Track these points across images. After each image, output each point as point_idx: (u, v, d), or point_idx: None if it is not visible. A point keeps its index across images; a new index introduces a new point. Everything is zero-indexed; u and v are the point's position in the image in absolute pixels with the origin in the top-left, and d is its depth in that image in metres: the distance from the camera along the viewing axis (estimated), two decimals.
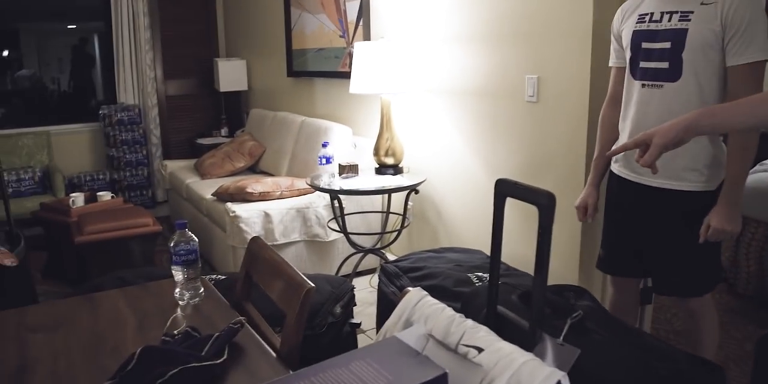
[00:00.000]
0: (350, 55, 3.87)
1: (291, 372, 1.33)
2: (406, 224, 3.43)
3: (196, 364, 1.25)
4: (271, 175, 4.40)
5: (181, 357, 1.28)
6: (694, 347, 2.05)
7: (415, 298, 1.26)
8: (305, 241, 3.60)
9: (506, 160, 2.92)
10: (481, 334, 1.10)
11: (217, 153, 4.65)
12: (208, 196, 3.89)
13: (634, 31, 1.92)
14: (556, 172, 2.65)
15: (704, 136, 1.84)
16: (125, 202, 5.20)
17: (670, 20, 1.81)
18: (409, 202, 3.48)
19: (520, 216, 2.88)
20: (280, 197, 3.58)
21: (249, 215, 3.41)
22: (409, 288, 1.32)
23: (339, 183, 3.23)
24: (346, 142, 3.80)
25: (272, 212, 3.45)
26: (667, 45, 1.82)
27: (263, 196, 3.53)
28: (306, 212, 3.55)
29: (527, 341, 1.18)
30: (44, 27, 10.16)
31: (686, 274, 1.96)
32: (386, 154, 3.35)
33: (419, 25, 3.36)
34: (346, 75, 3.74)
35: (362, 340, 2.90)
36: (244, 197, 3.54)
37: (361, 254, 3.48)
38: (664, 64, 1.83)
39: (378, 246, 3.63)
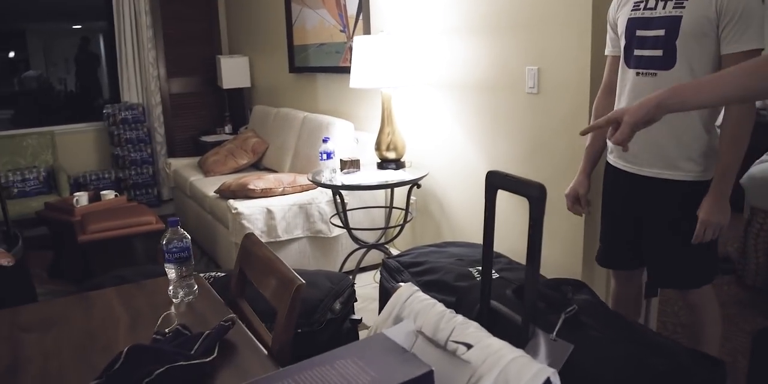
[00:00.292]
0: (351, 50, 3.84)
1: (281, 369, 1.31)
2: (408, 219, 3.40)
3: (184, 363, 1.23)
4: (275, 171, 4.38)
5: (169, 356, 1.26)
6: (697, 340, 2.01)
7: (406, 294, 1.24)
8: (308, 237, 3.58)
9: (507, 153, 2.89)
10: (470, 330, 1.07)
11: (221, 150, 4.64)
12: (211, 193, 3.88)
13: (629, 18, 1.89)
14: (557, 164, 2.61)
15: (699, 125, 1.81)
16: (129, 200, 5.23)
17: (664, 7, 1.78)
18: (412, 197, 3.46)
19: (523, 208, 2.85)
20: (283, 193, 3.56)
21: (251, 212, 3.40)
22: (401, 283, 1.29)
23: (340, 178, 3.21)
24: (348, 138, 3.77)
25: (274, 209, 3.44)
26: (661, 32, 1.78)
27: (265, 193, 3.51)
28: (309, 208, 3.53)
29: (520, 336, 1.15)
30: (50, 27, 10.20)
31: (682, 265, 1.93)
32: (388, 149, 3.32)
33: (419, 18, 3.33)
34: (348, 70, 3.71)
35: (364, 336, 2.88)
36: (246, 194, 3.52)
37: (365, 250, 3.45)
38: (658, 52, 1.80)
39: (381, 241, 3.60)
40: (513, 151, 2.85)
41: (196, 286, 1.71)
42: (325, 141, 3.19)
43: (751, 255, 3.21)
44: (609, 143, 2.09)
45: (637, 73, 1.88)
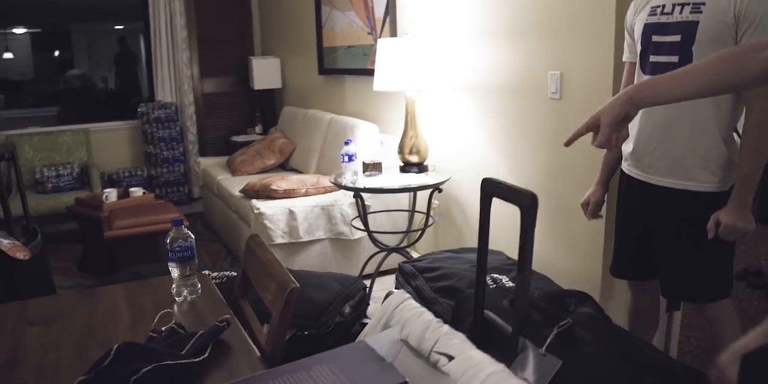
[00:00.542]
0: None
1: (256, 373, 1.29)
2: (429, 223, 3.37)
3: (171, 362, 1.23)
4: (301, 172, 4.39)
5: (158, 354, 1.26)
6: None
7: (396, 301, 1.21)
8: (330, 239, 3.58)
9: (529, 159, 2.84)
10: (454, 341, 1.05)
11: (248, 150, 4.67)
12: (236, 192, 3.91)
13: (645, 23, 1.83)
14: (579, 172, 2.56)
15: (717, 135, 1.75)
16: (159, 198, 5.31)
17: (681, 12, 1.72)
18: (434, 201, 3.43)
19: (545, 214, 2.80)
20: (306, 194, 3.56)
21: (273, 212, 3.41)
22: (393, 290, 1.27)
23: (362, 181, 3.20)
24: (372, 140, 3.76)
25: (297, 210, 3.44)
26: (677, 38, 1.72)
27: (288, 194, 3.52)
28: (331, 210, 3.53)
29: (510, 349, 1.12)
30: (94, 27, 10.44)
31: (694, 277, 1.86)
32: (410, 152, 3.29)
33: (444, 21, 3.30)
34: (374, 72, 3.70)
35: None
36: (269, 194, 3.54)
37: (385, 253, 3.43)
38: (674, 58, 1.74)
39: (403, 244, 3.58)
40: (534, 157, 2.80)
41: (200, 285, 1.71)
42: (347, 143, 3.18)
43: None
44: (624, 151, 2.04)
45: None
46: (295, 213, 3.44)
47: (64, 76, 10.52)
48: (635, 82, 2.05)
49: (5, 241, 2.05)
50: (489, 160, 3.10)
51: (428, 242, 3.71)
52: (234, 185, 4.10)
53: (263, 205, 3.42)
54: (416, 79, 3.15)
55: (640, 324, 2.27)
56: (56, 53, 10.78)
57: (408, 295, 1.21)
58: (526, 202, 1.03)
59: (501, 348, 1.10)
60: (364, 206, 3.27)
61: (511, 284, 2.25)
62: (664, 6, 1.78)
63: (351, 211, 3.53)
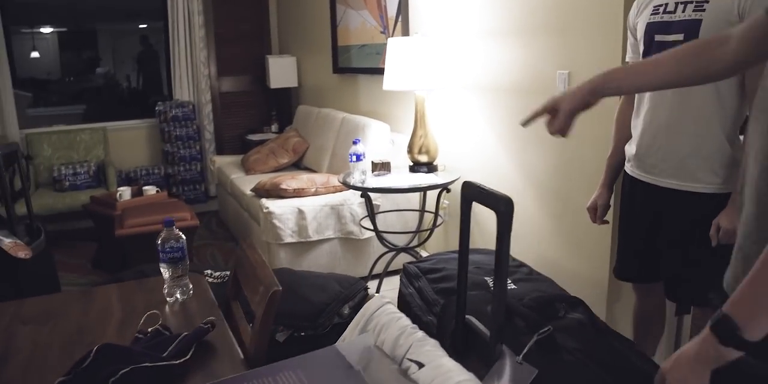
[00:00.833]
0: None
1: (221, 379, 1.28)
2: (439, 223, 3.34)
3: (149, 364, 1.23)
4: (314, 171, 4.39)
5: (137, 356, 1.25)
6: None
7: (375, 306, 1.20)
8: (339, 238, 3.57)
9: (537, 159, 2.80)
10: (426, 348, 1.02)
11: (263, 149, 4.68)
12: (248, 191, 3.91)
13: (648, 23, 1.79)
14: (587, 173, 2.51)
15: (722, 135, 1.71)
16: (174, 196, 5.34)
17: (684, 10, 1.68)
18: (445, 201, 3.40)
19: (552, 214, 2.76)
20: (315, 194, 3.56)
21: (282, 211, 3.41)
22: (375, 294, 1.25)
23: (370, 181, 3.18)
24: (383, 139, 3.74)
25: (306, 209, 3.44)
26: (680, 37, 1.68)
27: (297, 193, 3.52)
28: (340, 209, 3.51)
29: (488, 356, 1.10)
30: (119, 27, 10.56)
31: (699, 281, 1.81)
32: (420, 152, 3.27)
33: (455, 20, 3.27)
34: None
35: None
36: (278, 193, 3.54)
37: (394, 253, 3.41)
38: None
39: (413, 244, 3.55)
40: (542, 157, 2.76)
41: (191, 286, 1.71)
42: (355, 143, 3.17)
43: None
44: (627, 152, 2.00)
45: None
46: (305, 212, 3.43)
47: (89, 75, 10.67)
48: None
49: (7, 240, 2.07)
50: (498, 159, 3.07)
51: (438, 242, 3.68)
52: (246, 184, 4.11)
53: (272, 205, 3.42)
54: (426, 78, 3.12)
55: (646, 327, 2.22)
56: (82, 52, 10.94)
57: (387, 300, 1.19)
58: (501, 207, 1.01)
59: (481, 355, 1.08)
60: (372, 206, 3.25)
61: (513, 286, 2.21)
62: (666, 5, 1.74)
63: (360, 211, 3.51)
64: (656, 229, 1.92)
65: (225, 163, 4.93)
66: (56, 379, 1.22)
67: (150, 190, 4.17)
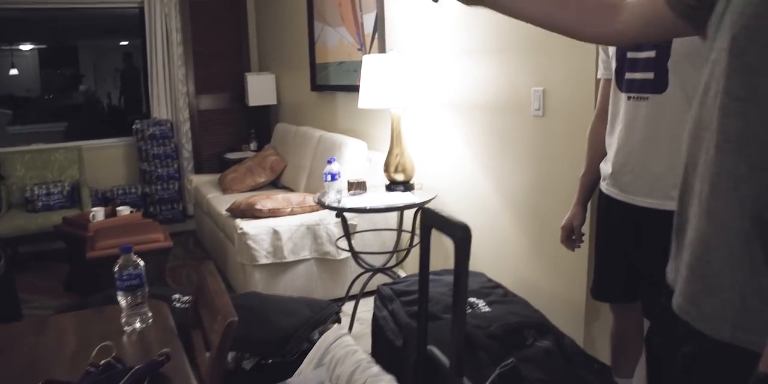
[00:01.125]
0: None
1: None
2: (415, 243, 3.28)
3: None
4: (292, 190, 4.33)
5: None
6: None
7: (332, 338, 1.14)
8: (316, 258, 3.50)
9: (514, 177, 2.76)
10: None
11: (240, 168, 4.62)
12: (224, 211, 3.85)
13: None
14: (563, 190, 2.47)
15: None
16: (151, 216, 5.26)
17: None
18: (430, 206, 3.34)
19: (528, 233, 2.72)
20: (291, 214, 3.50)
21: (257, 232, 3.34)
22: (335, 325, 1.19)
23: (346, 200, 3.12)
24: (360, 158, 3.70)
25: (281, 229, 3.37)
26: (651, 54, 1.65)
27: (273, 213, 3.46)
28: (317, 229, 3.45)
29: None
30: (100, 43, 10.50)
31: None
32: (396, 171, 3.22)
33: (431, 38, 3.24)
34: None
35: None
36: (253, 214, 3.47)
37: (371, 273, 3.35)
38: (650, 75, 1.67)
39: (391, 264, 3.50)
40: (519, 175, 2.73)
41: (150, 314, 1.64)
42: (330, 162, 3.12)
43: None
44: (602, 170, 1.97)
45: (629, 97, 1.76)
46: (280, 232, 3.37)
47: (70, 92, 10.58)
48: (600, 97, 1.99)
49: None
50: (475, 177, 3.03)
51: (415, 261, 3.60)
52: (223, 204, 4.04)
53: (247, 225, 3.35)
54: (402, 96, 3.08)
55: (624, 348, 2.18)
56: (62, 69, 10.86)
57: (344, 332, 1.14)
58: (458, 234, 0.96)
59: None
60: (347, 226, 3.19)
61: (487, 309, 2.16)
62: None
63: (337, 231, 3.45)
64: (633, 248, 1.89)
65: (202, 182, 4.86)
66: None
67: (124, 210, 4.09)
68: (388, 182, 3.32)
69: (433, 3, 1.28)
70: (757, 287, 0.87)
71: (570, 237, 2.10)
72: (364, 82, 3.16)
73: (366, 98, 3.16)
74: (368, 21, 3.76)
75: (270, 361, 1.97)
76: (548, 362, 1.27)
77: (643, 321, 2.13)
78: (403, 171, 3.22)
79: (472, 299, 2.25)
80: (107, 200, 5.24)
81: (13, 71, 10.10)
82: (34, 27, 8.94)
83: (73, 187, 4.85)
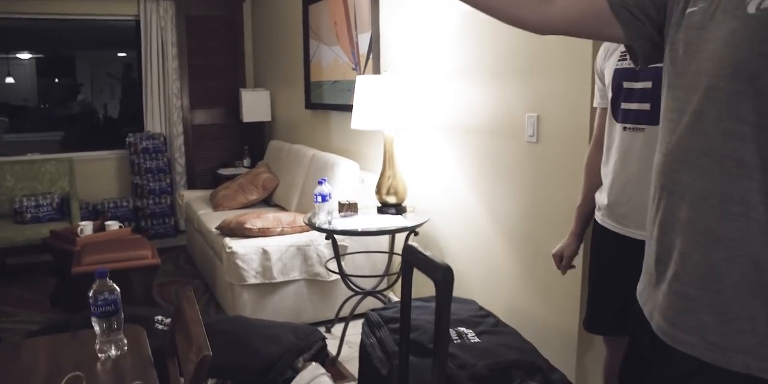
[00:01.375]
0: None
1: None
2: None
3: None
4: (284, 208, 4.29)
5: None
6: None
7: (308, 377, 1.09)
8: (306, 279, 3.45)
9: (507, 203, 2.72)
10: None
11: (232, 185, 4.58)
12: (213, 229, 3.79)
13: (615, 69, 1.73)
14: (557, 217, 2.44)
15: None
16: (140, 230, 5.21)
17: None
18: (414, 243, 3.30)
19: (520, 261, 2.68)
20: (281, 233, 3.45)
21: (246, 251, 3.29)
22: (312, 362, 1.14)
23: (336, 222, 3.08)
24: (352, 178, 3.66)
25: (271, 249, 3.32)
26: (648, 85, 1.62)
27: (262, 232, 3.41)
28: (307, 250, 3.40)
29: None
30: (97, 54, 10.49)
31: None
32: (388, 193, 3.18)
33: (426, 60, 3.22)
34: None
35: None
36: (243, 233, 3.42)
37: (361, 296, 3.30)
38: (646, 106, 1.64)
39: (382, 287, 3.44)
40: (512, 201, 2.69)
41: (125, 341, 1.59)
42: (320, 183, 3.08)
43: None
44: (597, 201, 1.94)
45: (625, 128, 1.73)
46: (269, 253, 3.32)
47: (68, 102, 10.56)
48: (596, 126, 1.96)
49: None
50: (468, 202, 2.99)
51: None
52: (213, 221, 3.99)
53: (236, 244, 3.30)
54: (395, 117, 3.06)
55: (616, 382, 2.13)
56: (59, 79, 10.84)
57: (322, 371, 1.09)
58: (439, 276, 0.92)
59: None
60: (337, 248, 3.14)
61: (476, 340, 2.12)
62: None
63: (327, 252, 3.40)
64: (627, 280, 1.84)
65: (194, 198, 4.81)
66: None
67: (113, 225, 4.04)
68: (379, 204, 3.28)
69: None
70: None
71: (560, 263, 2.07)
72: (357, 102, 3.13)
73: (359, 119, 3.13)
74: (363, 40, 3.74)
75: None
76: None
77: None
78: (395, 193, 3.18)
79: (461, 329, 2.20)
80: (98, 213, 5.19)
81: (9, 79, 10.08)
82: (32, 36, 8.94)
83: (63, 199, 4.80)
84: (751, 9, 0.86)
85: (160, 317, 2.37)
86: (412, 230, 3.07)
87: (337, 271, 3.20)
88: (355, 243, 3.49)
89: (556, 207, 2.44)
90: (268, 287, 3.37)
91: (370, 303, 3.38)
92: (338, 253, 3.15)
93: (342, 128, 4.23)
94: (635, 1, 1.04)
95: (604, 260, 1.93)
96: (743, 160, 0.87)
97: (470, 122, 2.91)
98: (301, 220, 3.49)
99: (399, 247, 3.37)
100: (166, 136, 5.51)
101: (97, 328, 1.54)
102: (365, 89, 3.10)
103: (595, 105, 1.94)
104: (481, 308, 2.51)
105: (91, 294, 1.53)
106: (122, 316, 1.57)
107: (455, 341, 2.14)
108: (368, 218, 3.14)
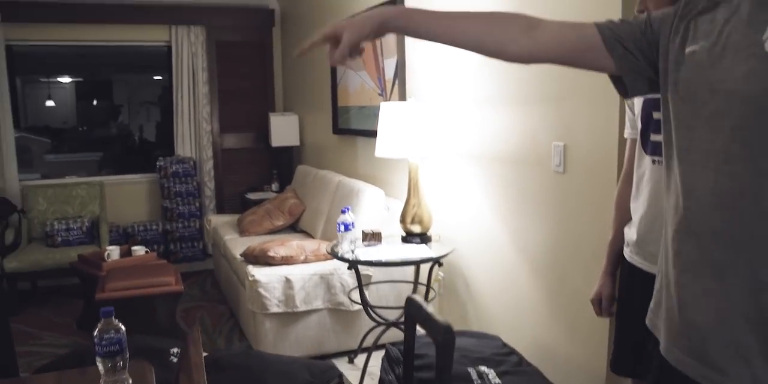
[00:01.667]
0: None
1: None
2: (431, 298, 3.16)
3: None
4: (310, 234, 4.25)
5: None
6: None
7: None
8: (329, 309, 3.39)
9: (533, 234, 2.64)
10: None
11: (258, 210, 4.56)
12: (238, 255, 3.77)
13: (645, 98, 1.65)
14: (584, 250, 2.34)
15: None
16: (167, 253, 5.22)
17: None
18: (439, 273, 3.23)
19: (546, 294, 2.58)
20: (305, 262, 3.40)
21: (269, 280, 3.25)
22: None
23: (359, 251, 3.02)
24: (377, 205, 3.60)
25: (294, 278, 3.28)
26: None
27: (286, 261, 3.36)
28: (330, 279, 3.35)
29: None
30: (134, 78, 10.70)
31: None
32: (412, 222, 3.12)
33: (452, 86, 3.17)
34: None
35: None
36: (266, 261, 3.39)
37: (385, 326, 3.22)
38: None
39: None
40: (539, 232, 2.60)
41: (130, 381, 1.55)
42: (344, 211, 3.03)
43: None
44: (626, 237, 1.84)
45: (653, 161, 1.64)
46: (292, 281, 3.27)
47: (105, 124, 10.76)
48: (627, 158, 1.87)
49: None
50: (494, 231, 2.91)
51: None
52: (239, 247, 3.97)
53: (259, 272, 3.27)
54: (419, 145, 3.00)
55: None
56: (98, 101, 11.08)
57: None
58: (438, 336, 0.85)
59: None
60: (360, 278, 3.08)
61: (498, 381, 2.03)
62: None
63: (351, 281, 3.34)
64: None
65: (221, 223, 4.81)
66: None
67: (139, 250, 4.05)
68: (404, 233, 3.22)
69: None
70: None
71: (601, 307, 1.96)
72: (382, 129, 3.09)
73: (383, 147, 3.08)
74: (389, 66, 3.71)
75: None
76: None
77: None
78: (420, 222, 3.12)
79: (483, 368, 2.11)
80: (128, 236, 5.22)
81: (50, 103, 10.32)
82: (71, 61, 9.15)
83: (93, 223, 4.84)
84: None
85: (175, 350, 2.33)
86: (437, 261, 3.00)
87: (359, 301, 3.13)
88: (380, 272, 3.42)
89: (582, 239, 2.35)
90: (291, 316, 3.32)
91: (395, 333, 3.30)
92: (361, 283, 3.08)
93: (368, 154, 4.19)
94: (629, 36, 1.03)
95: (632, 298, 1.83)
96: None
97: (496, 150, 2.84)
98: (324, 248, 3.44)
99: (424, 276, 3.29)
100: (196, 160, 5.55)
101: (101, 368, 1.50)
102: (390, 116, 3.05)
103: (625, 136, 1.85)
104: (505, 345, 2.42)
105: (96, 333, 1.49)
106: (127, 355, 1.53)
107: (476, 381, 2.06)
108: (392, 248, 3.08)
